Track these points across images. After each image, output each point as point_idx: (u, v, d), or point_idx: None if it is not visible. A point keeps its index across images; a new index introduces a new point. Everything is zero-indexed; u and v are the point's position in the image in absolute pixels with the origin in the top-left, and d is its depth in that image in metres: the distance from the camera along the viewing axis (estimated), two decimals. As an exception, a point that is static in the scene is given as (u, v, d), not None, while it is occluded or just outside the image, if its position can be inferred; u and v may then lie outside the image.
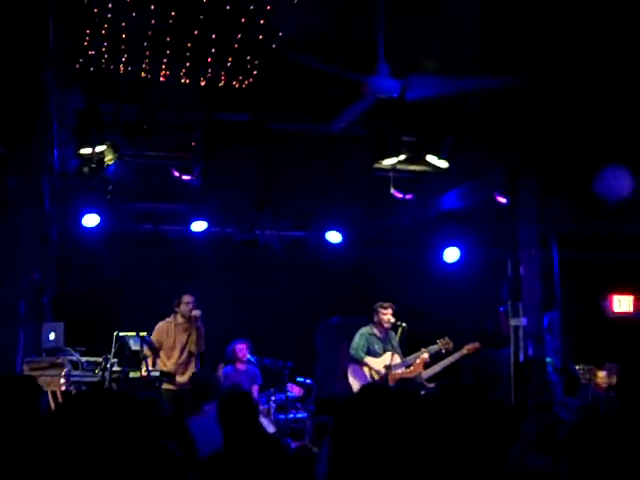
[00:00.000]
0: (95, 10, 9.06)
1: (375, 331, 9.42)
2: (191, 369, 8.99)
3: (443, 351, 9.29)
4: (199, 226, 10.96)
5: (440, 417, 2.95)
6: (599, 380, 8.67)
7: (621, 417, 3.63)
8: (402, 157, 10.54)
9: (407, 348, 9.50)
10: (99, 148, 9.66)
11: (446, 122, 10.34)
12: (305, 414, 9.64)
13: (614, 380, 8.57)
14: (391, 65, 8.37)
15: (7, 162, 9.04)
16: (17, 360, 8.09)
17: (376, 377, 9.17)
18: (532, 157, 10.31)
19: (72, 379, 7.84)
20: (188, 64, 9.60)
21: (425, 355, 9.26)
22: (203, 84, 9.87)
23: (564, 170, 10.08)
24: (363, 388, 4.17)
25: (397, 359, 9.27)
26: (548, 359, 9.90)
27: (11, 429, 3.69)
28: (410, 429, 2.87)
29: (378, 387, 4.48)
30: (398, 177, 10.89)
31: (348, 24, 8.95)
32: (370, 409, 2.95)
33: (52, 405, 7.45)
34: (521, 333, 10.18)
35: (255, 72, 9.75)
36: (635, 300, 10.86)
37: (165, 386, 8.53)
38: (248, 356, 10.04)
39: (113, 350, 7.97)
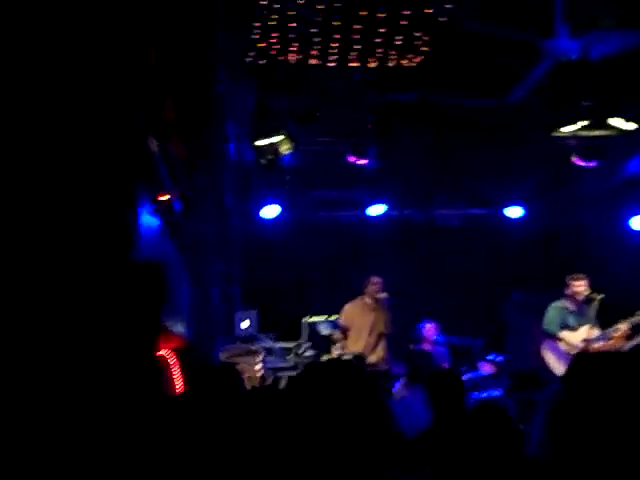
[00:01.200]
0: (262, 1, 9.19)
1: (568, 305, 9.06)
2: (381, 350, 9.04)
3: (644, 322, 8.80)
4: (377, 210, 10.97)
5: None
6: None
7: None
8: (583, 123, 10.07)
9: (604, 321, 9.08)
10: (275, 139, 9.77)
11: (629, 83, 9.79)
12: (500, 392, 9.40)
13: None
14: (570, 26, 8.03)
15: (190, 162, 9.32)
16: (214, 349, 8.30)
17: (573, 352, 8.80)
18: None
19: (267, 365, 7.98)
20: (357, 46, 9.56)
21: (625, 326, 8.79)
22: (372, 66, 9.80)
23: None
24: (581, 355, 3.95)
25: (595, 332, 8.88)
26: None
27: (218, 417, 3.73)
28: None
29: (601, 354, 4.23)
30: (579, 144, 10.44)
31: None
32: (599, 375, 2.77)
33: (250, 391, 7.62)
34: None
35: (425, 49, 9.59)
36: None
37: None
38: (435, 336, 9.95)
39: (305, 335, 8.07)
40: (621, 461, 2.50)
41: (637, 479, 2.45)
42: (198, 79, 9.11)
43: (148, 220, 5.86)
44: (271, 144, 9.88)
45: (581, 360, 3.05)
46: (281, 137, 9.87)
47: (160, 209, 8.56)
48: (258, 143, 9.90)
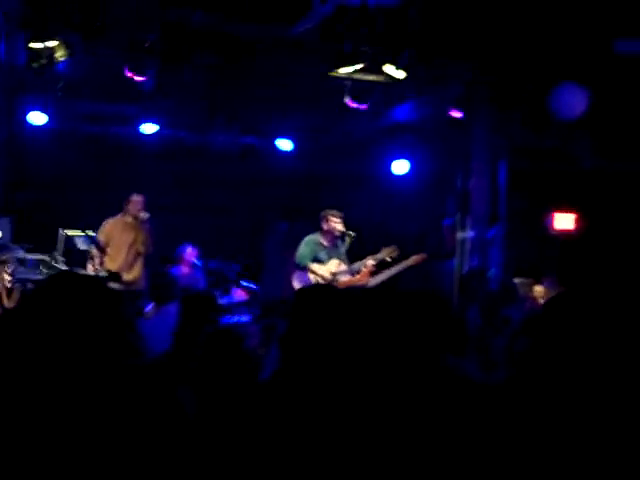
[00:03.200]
0: None
1: (322, 240, 9.40)
2: (138, 269, 9.03)
3: (389, 259, 9.34)
4: (150, 128, 10.85)
5: (385, 316, 3.02)
6: (536, 294, 8.91)
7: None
8: (359, 66, 10.42)
9: (353, 258, 9.57)
10: (50, 43, 9.38)
11: (404, 33, 10.22)
12: (249, 318, 9.73)
13: (552, 295, 8.80)
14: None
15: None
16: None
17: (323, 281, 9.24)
18: (488, 71, 10.29)
19: (17, 276, 7.82)
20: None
21: (371, 262, 9.31)
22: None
23: (519, 85, 10.11)
24: (310, 287, 4.24)
25: (343, 267, 9.33)
26: (490, 272, 10.11)
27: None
28: (356, 326, 2.95)
29: (325, 286, 4.55)
30: (354, 86, 10.80)
31: None
32: (319, 306, 3.03)
33: (-3, 301, 7.47)
34: (467, 246, 10.36)
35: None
36: (577, 218, 11.07)
37: (111, 285, 8.54)
38: (194, 260, 10.10)
39: (60, 248, 7.95)
40: (341, 381, 2.75)
41: (358, 402, 2.68)
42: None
43: None
44: (46, 48, 9.48)
45: (301, 294, 3.31)
46: (57, 42, 9.49)
47: None
48: (32, 45, 9.48)
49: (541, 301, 8.72)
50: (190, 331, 5.02)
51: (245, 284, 10.37)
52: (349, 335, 2.96)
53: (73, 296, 2.40)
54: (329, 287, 4.50)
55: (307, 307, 3.07)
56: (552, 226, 10.97)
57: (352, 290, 7.28)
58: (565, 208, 10.96)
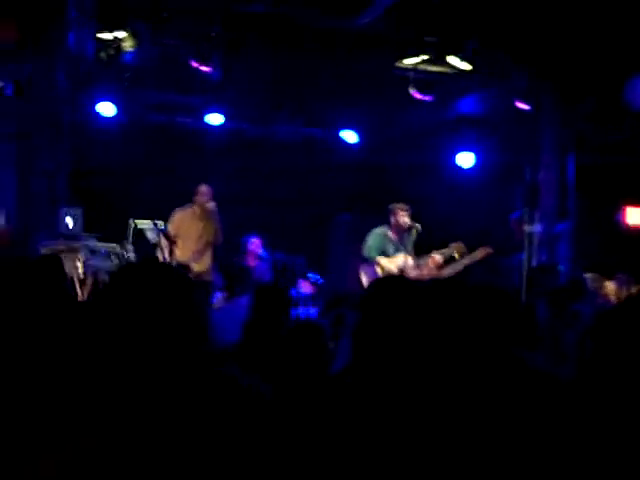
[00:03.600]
0: None
1: (389, 233, 9.37)
2: (207, 259, 9.01)
3: (456, 256, 9.30)
4: (215, 119, 10.93)
5: (456, 308, 2.99)
6: (607, 290, 8.76)
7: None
8: (424, 57, 10.34)
9: (418, 251, 9.52)
10: (118, 34, 9.47)
11: (470, 24, 10.12)
12: (315, 310, 9.75)
13: (624, 292, 8.66)
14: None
15: (23, 46, 8.90)
16: (35, 244, 8.13)
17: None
18: (556, 62, 10.13)
19: (89, 265, 7.90)
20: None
21: (437, 257, 9.28)
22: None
23: (588, 76, 9.94)
24: (383, 279, 4.20)
25: (410, 261, 9.30)
26: (559, 267, 9.96)
27: (41, 308, 3.71)
28: (423, 319, 2.91)
29: (398, 278, 4.51)
30: (418, 78, 10.73)
31: None
32: (393, 298, 2.99)
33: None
34: (535, 240, 10.23)
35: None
36: (649, 213, 10.87)
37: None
38: (260, 251, 10.12)
39: (129, 238, 8.02)
40: (415, 374, 2.73)
41: (432, 395, 2.66)
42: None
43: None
44: (114, 38, 9.57)
45: (375, 286, 3.27)
46: (125, 33, 9.57)
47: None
48: (101, 36, 9.57)
49: (612, 298, 8.57)
50: (262, 323, 5.01)
51: (311, 276, 10.37)
52: (423, 328, 2.92)
53: (149, 284, 2.40)
54: (402, 279, 4.44)
55: (381, 299, 3.03)
56: (623, 220, 10.79)
57: (423, 282, 7.22)
58: (636, 202, 10.78)
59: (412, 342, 2.85)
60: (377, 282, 3.31)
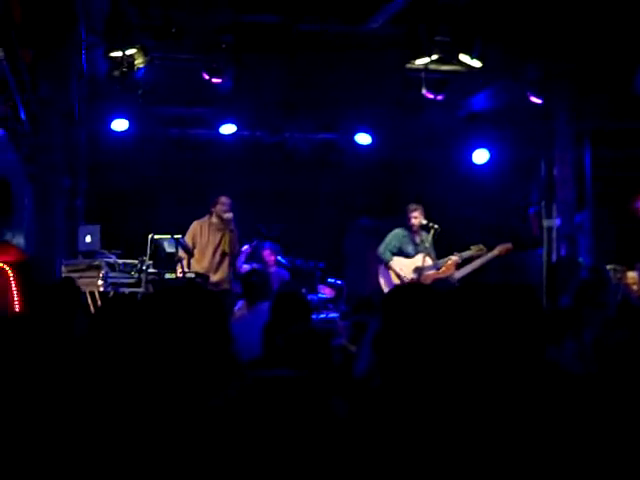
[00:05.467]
0: None
1: (408, 234, 9.42)
2: (224, 269, 9.13)
3: (476, 256, 9.31)
4: (228, 129, 11.00)
5: (478, 313, 2.97)
6: (630, 280, 8.71)
7: None
8: (435, 57, 10.33)
9: (439, 250, 9.53)
10: (129, 51, 9.55)
11: (479, 21, 10.10)
12: (336, 314, 9.77)
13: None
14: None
15: (37, 67, 9.01)
16: (56, 263, 8.22)
17: (406, 278, 9.23)
18: (567, 54, 10.08)
19: (109, 280, 7.98)
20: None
21: (456, 257, 9.29)
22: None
23: (600, 67, 9.88)
24: (397, 287, 4.23)
25: (428, 261, 9.30)
26: (580, 259, 9.91)
27: (57, 329, 3.75)
28: (445, 324, 2.92)
29: (417, 285, 4.52)
30: (430, 77, 10.72)
31: None
32: (412, 306, 3.00)
33: (91, 305, 7.64)
34: (554, 234, 10.17)
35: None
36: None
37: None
38: (279, 257, 10.18)
39: (148, 252, 8.08)
40: (434, 380, 2.73)
41: (452, 401, 2.66)
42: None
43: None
44: (125, 56, 9.65)
45: (397, 291, 3.30)
46: (136, 50, 9.66)
47: (4, 117, 8.30)
48: (112, 54, 9.66)
49: (635, 287, 8.51)
50: (282, 330, 5.02)
51: (331, 281, 10.40)
52: (444, 333, 2.92)
53: (184, 302, 2.44)
54: (421, 286, 4.47)
55: (400, 307, 3.05)
56: (640, 210, 10.72)
57: (441, 286, 7.21)
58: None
59: (434, 347, 2.86)
60: (396, 289, 3.34)
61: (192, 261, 8.99)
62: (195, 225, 9.26)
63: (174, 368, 2.36)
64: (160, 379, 2.35)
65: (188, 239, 9.06)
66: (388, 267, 9.27)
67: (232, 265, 9.30)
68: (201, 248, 9.14)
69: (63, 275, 7.99)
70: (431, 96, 10.76)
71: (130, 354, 2.54)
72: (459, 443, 2.55)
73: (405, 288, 3.65)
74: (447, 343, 2.86)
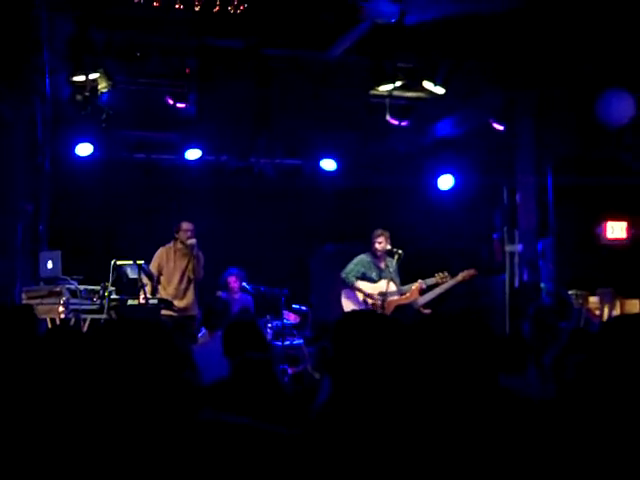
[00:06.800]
0: None
1: (372, 259, 9.46)
2: (190, 295, 9.09)
3: (440, 282, 9.36)
4: (193, 154, 10.98)
5: (432, 343, 2.97)
6: (591, 305, 8.80)
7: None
8: (398, 83, 10.42)
9: (404, 276, 9.55)
10: (92, 75, 9.51)
11: (443, 48, 10.20)
12: (301, 341, 9.75)
13: (607, 306, 8.69)
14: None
15: (-1, 90, 8.95)
16: (16, 289, 8.12)
17: (370, 302, 9.24)
18: (529, 82, 10.21)
19: (71, 307, 7.88)
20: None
21: (420, 283, 9.33)
22: (197, 9, 9.68)
23: (562, 96, 10.01)
24: (350, 313, 4.24)
25: (392, 287, 9.33)
26: (542, 285, 9.99)
27: (9, 356, 3.71)
28: (400, 353, 2.91)
29: (366, 312, 4.51)
30: (394, 104, 10.81)
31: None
32: (361, 333, 3.00)
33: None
34: (516, 259, 10.25)
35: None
36: (628, 226, 10.92)
37: (164, 312, 8.58)
38: (244, 284, 10.15)
39: (111, 278, 8.00)
40: (383, 404, 2.73)
41: (400, 426, 2.65)
42: (13, 9, 8.70)
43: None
44: (89, 80, 9.61)
45: (349, 316, 3.29)
46: (99, 74, 9.62)
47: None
48: (75, 78, 9.62)
49: (597, 312, 8.59)
50: (233, 358, 4.99)
51: (296, 307, 10.38)
52: (394, 360, 2.92)
53: (126, 345, 2.44)
54: (370, 313, 4.47)
55: (349, 334, 3.04)
56: (604, 236, 10.84)
57: (405, 312, 7.23)
58: (615, 217, 10.83)
59: (385, 373, 2.86)
60: (349, 315, 3.33)
61: (159, 287, 8.94)
62: (161, 251, 9.20)
63: (119, 397, 2.33)
64: (105, 409, 2.32)
65: (154, 265, 9.01)
66: (354, 288, 9.31)
67: (197, 291, 9.24)
68: (168, 274, 9.09)
69: (23, 301, 7.89)
70: (395, 122, 10.86)
71: (74, 384, 2.52)
72: (410, 468, 2.55)
73: (358, 314, 3.66)
74: (396, 370, 2.86)
